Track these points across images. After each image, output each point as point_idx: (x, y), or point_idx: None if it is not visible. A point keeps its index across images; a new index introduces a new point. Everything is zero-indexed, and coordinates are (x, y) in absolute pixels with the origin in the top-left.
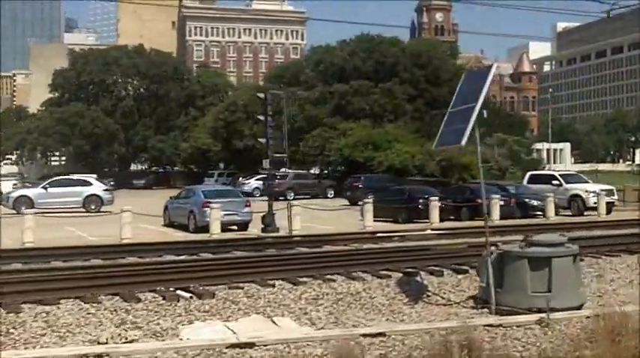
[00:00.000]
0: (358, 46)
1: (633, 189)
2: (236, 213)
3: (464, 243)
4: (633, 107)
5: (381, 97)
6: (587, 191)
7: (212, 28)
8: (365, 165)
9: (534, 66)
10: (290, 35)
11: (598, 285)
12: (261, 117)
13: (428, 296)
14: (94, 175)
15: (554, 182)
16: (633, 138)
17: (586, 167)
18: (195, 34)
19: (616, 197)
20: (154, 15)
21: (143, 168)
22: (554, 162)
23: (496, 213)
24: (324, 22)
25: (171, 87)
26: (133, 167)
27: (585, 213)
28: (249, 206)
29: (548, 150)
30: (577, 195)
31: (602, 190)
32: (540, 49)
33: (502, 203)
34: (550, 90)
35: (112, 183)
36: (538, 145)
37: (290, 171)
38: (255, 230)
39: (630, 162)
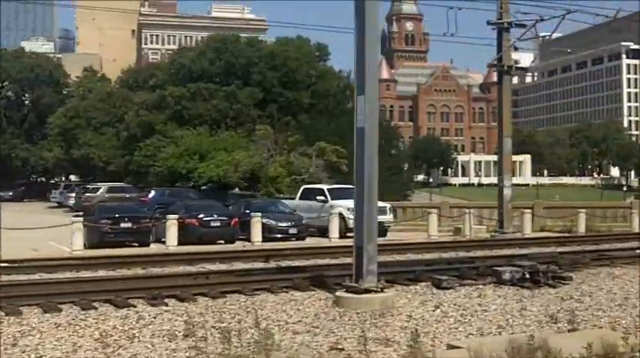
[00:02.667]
0: (208, 46)
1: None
2: None
3: None
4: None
5: (222, 102)
6: (349, 209)
7: (169, 35)
8: (187, 176)
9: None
10: None
11: None
12: None
13: None
14: None
15: (320, 198)
16: (597, 151)
17: (545, 180)
18: (152, 42)
19: (390, 216)
20: (114, 23)
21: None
22: (514, 175)
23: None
24: (286, 29)
25: (44, 92)
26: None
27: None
28: None
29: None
30: (340, 214)
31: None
32: (524, 60)
33: (218, 223)
34: (513, 98)
35: None
36: (495, 157)
37: (104, 184)
38: None
39: (597, 176)
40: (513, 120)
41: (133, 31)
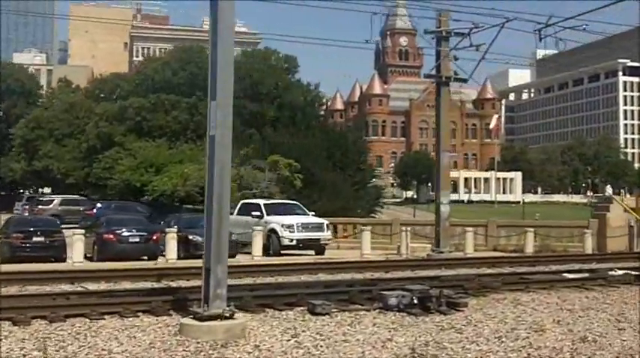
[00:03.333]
0: (173, 57)
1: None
2: None
3: None
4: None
5: (183, 114)
6: (283, 225)
7: (160, 48)
8: (142, 190)
9: (511, 94)
10: None
11: None
12: None
13: None
14: None
15: (255, 213)
16: (590, 169)
17: (537, 198)
18: (143, 55)
19: (328, 233)
20: (106, 36)
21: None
22: (504, 192)
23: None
24: (280, 43)
25: (15, 103)
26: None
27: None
28: None
29: (497, 179)
30: (274, 230)
31: (308, 224)
32: (520, 76)
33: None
34: (497, 115)
35: None
36: (486, 174)
37: (57, 196)
38: None
39: (590, 194)
40: (509, 137)
41: (126, 43)
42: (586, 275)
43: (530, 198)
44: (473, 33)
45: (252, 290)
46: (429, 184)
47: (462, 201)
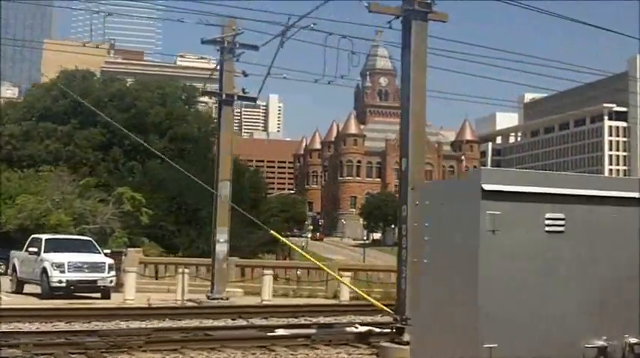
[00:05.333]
0: (56, 83)
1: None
2: None
3: None
4: None
5: (54, 143)
6: (53, 264)
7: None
8: None
9: (498, 137)
10: None
11: None
12: None
13: None
14: None
15: (32, 249)
16: None
17: None
18: None
19: (109, 274)
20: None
21: None
22: None
23: None
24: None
25: None
26: None
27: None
28: None
29: None
30: (45, 270)
31: (83, 264)
32: (508, 120)
33: None
34: (463, 156)
35: None
36: None
37: None
38: None
39: None
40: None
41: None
42: (312, 331)
43: None
44: (264, 45)
45: None
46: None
47: None
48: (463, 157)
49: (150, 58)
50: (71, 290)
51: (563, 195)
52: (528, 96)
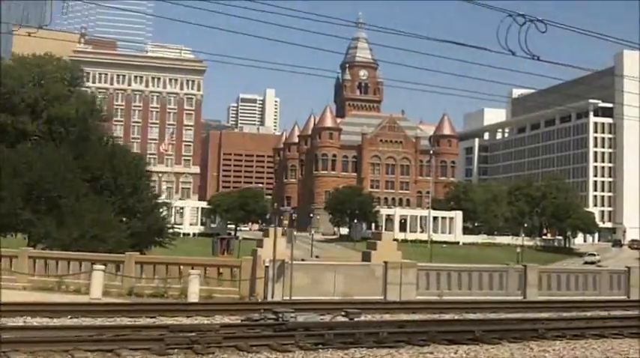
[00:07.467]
0: None
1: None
2: None
3: None
4: (581, 179)
5: None
6: None
7: (100, 74)
8: None
9: (486, 133)
10: (185, 85)
11: None
12: None
13: None
14: None
15: None
16: (536, 210)
17: (479, 238)
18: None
19: None
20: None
21: None
22: (444, 232)
23: None
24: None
25: None
26: None
27: None
28: None
29: (435, 218)
30: None
31: None
32: (496, 116)
33: None
34: (431, 152)
35: None
36: (424, 212)
37: None
38: None
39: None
40: (482, 177)
41: None
42: None
43: (471, 239)
44: None
45: None
46: (371, 221)
47: (396, 240)
48: (431, 152)
49: (123, 50)
50: None
51: None
52: (516, 92)
